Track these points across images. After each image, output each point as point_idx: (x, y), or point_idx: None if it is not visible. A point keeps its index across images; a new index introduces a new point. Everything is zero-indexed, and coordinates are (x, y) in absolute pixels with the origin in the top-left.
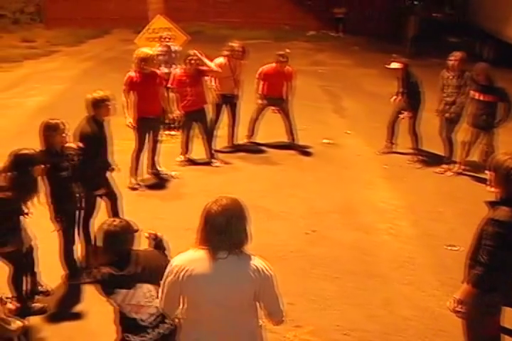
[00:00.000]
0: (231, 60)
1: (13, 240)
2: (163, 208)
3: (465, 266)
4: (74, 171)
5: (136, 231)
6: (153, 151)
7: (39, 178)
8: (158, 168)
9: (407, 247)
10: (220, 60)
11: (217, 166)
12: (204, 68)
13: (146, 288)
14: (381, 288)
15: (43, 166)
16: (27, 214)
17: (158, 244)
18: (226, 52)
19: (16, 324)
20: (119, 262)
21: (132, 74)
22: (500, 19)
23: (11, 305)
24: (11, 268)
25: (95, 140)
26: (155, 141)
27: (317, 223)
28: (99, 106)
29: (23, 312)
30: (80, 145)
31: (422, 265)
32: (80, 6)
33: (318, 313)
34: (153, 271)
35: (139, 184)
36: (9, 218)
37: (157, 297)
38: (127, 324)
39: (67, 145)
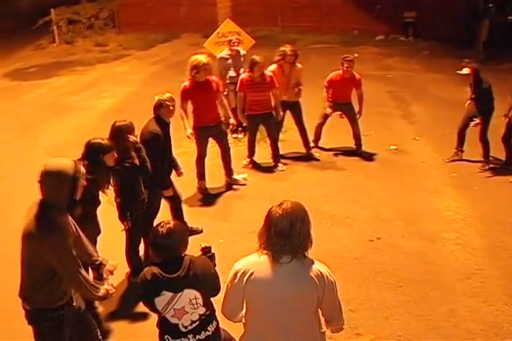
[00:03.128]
0: (284, 65)
1: (90, 228)
2: (227, 211)
3: None
4: (141, 171)
5: (198, 232)
6: (225, 159)
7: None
8: (234, 177)
9: (474, 258)
10: (273, 67)
11: (282, 170)
12: (270, 74)
13: (193, 294)
14: (446, 299)
15: (115, 154)
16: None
17: (208, 258)
18: (277, 58)
19: (104, 289)
20: (171, 265)
21: (186, 83)
22: None
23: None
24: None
25: (159, 140)
26: (224, 149)
27: (381, 230)
28: (162, 107)
29: None
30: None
31: (490, 277)
32: (150, 11)
33: (380, 322)
34: (203, 278)
35: (205, 188)
36: (87, 206)
37: (203, 305)
38: (168, 329)
39: (136, 145)
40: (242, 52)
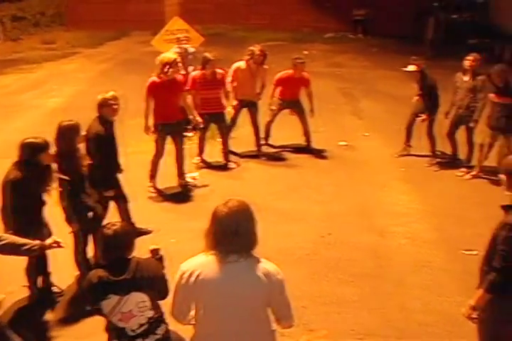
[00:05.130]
0: (251, 64)
1: (35, 232)
2: (178, 210)
3: (479, 272)
4: (85, 173)
5: (148, 233)
6: (179, 159)
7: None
8: (186, 177)
9: (424, 251)
10: (240, 63)
11: (232, 168)
12: (221, 72)
13: (140, 297)
14: (397, 292)
15: (51, 152)
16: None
17: (157, 260)
18: (246, 57)
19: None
20: (117, 267)
21: (154, 78)
22: None
23: None
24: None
25: (103, 140)
26: (179, 149)
27: (333, 226)
28: (106, 106)
29: None
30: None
31: (440, 270)
32: (99, 9)
33: (333, 317)
34: (151, 280)
35: (155, 188)
36: (29, 208)
37: (151, 307)
38: (115, 333)
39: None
40: (191, 49)
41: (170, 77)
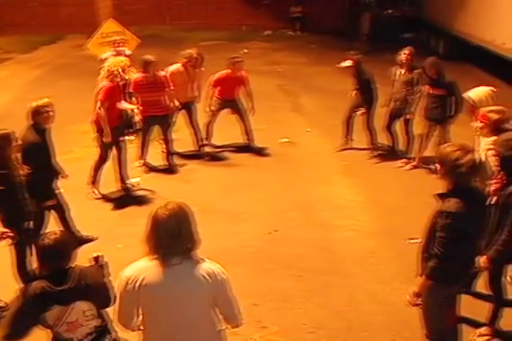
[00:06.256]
0: (188, 67)
1: None
2: (123, 215)
3: (420, 259)
4: (22, 183)
5: (92, 240)
6: (121, 163)
7: None
8: (129, 181)
9: (369, 242)
10: (177, 66)
11: (175, 170)
12: (163, 74)
13: (85, 306)
14: (345, 284)
15: None
16: None
17: (100, 267)
18: (184, 60)
19: None
20: (59, 277)
21: (109, 84)
22: (451, 14)
23: None
24: None
25: (38, 149)
26: (121, 152)
27: (278, 223)
28: (40, 114)
29: None
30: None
31: (384, 259)
32: (33, 12)
33: (284, 313)
34: (94, 288)
35: (98, 193)
36: None
37: (97, 316)
38: None
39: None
40: (128, 52)
41: (122, 81)
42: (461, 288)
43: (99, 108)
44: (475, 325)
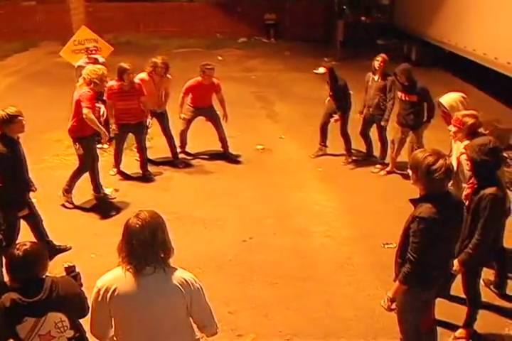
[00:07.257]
0: (154, 76)
1: None
2: (98, 224)
3: (395, 264)
4: None
5: (66, 250)
6: (95, 172)
7: None
8: (103, 191)
9: (344, 248)
10: (143, 75)
11: (150, 178)
12: (139, 82)
13: (58, 317)
14: (321, 290)
15: None
16: None
17: (73, 277)
18: (149, 68)
19: None
20: (31, 288)
21: (91, 92)
22: (422, 21)
23: None
24: None
25: (9, 159)
26: (95, 161)
27: (253, 230)
28: (11, 123)
29: None
30: None
31: (360, 265)
32: (4, 19)
33: (260, 320)
34: (67, 299)
35: (72, 203)
36: None
37: (70, 327)
38: None
39: None
40: (101, 59)
41: (100, 89)
42: (436, 292)
43: (88, 114)
44: (451, 327)
